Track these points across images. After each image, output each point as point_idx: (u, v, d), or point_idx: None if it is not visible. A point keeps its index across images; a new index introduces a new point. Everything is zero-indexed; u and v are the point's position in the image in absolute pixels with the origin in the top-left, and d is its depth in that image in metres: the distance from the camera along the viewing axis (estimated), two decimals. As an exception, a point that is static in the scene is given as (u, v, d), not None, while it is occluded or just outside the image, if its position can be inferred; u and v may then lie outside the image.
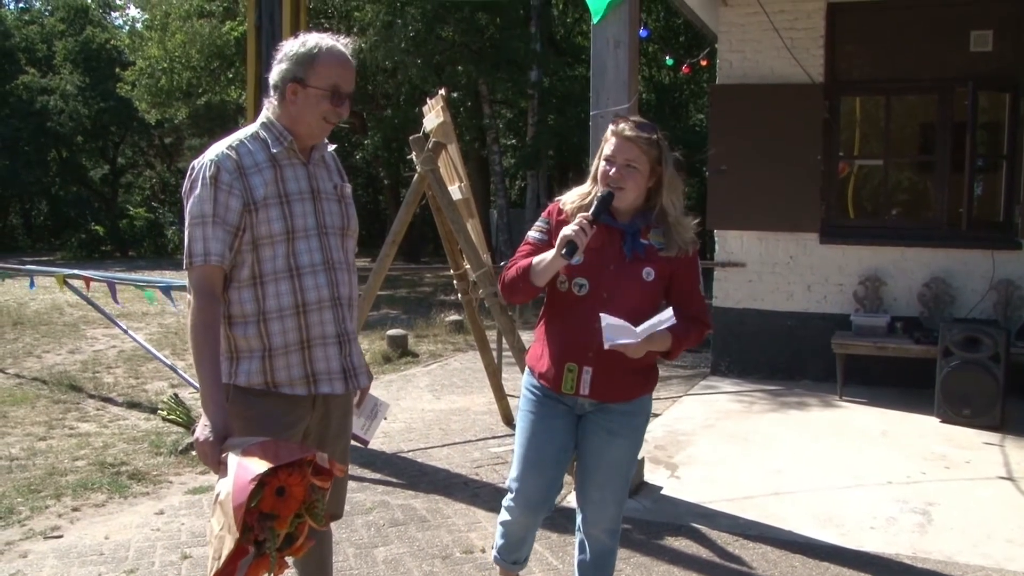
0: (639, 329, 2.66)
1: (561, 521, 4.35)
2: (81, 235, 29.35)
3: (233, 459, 2.17)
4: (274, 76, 2.51)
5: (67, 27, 33.06)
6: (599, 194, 2.83)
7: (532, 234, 2.97)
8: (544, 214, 3.00)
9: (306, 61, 2.46)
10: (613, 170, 2.83)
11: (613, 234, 2.86)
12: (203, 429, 2.33)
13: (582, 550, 3.10)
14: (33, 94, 30.55)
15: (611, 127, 2.90)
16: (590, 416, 2.96)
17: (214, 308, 2.41)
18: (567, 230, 2.72)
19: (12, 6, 36.19)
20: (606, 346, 2.69)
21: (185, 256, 2.44)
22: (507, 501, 3.08)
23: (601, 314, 2.69)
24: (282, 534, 2.13)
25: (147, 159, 37.67)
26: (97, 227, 30.33)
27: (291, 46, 2.49)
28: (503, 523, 3.14)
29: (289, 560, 2.31)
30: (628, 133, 2.82)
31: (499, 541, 3.18)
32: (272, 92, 2.52)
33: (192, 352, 2.43)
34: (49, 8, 35.78)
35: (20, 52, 32.27)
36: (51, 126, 30.53)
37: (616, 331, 2.66)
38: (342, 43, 2.51)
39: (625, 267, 2.84)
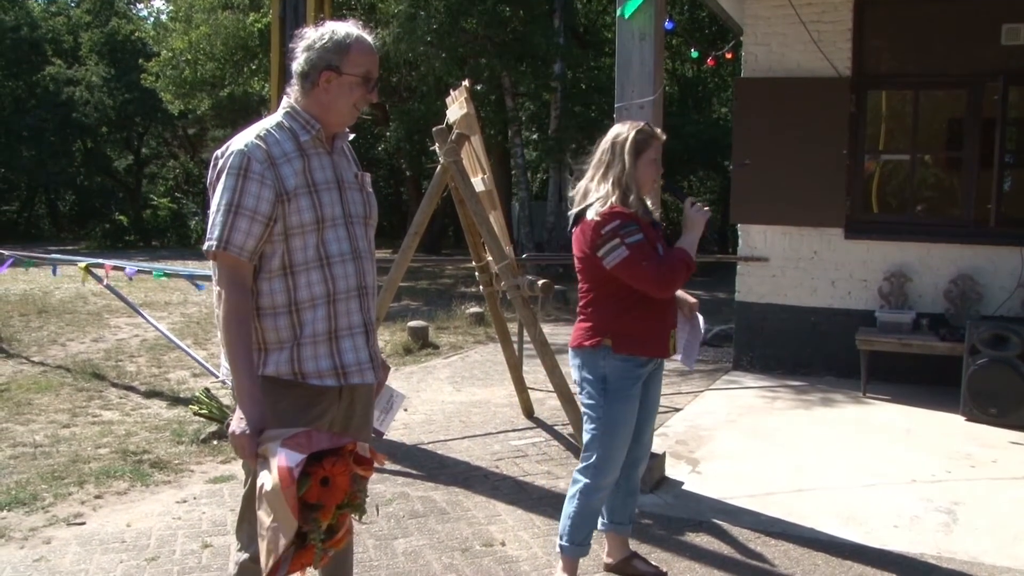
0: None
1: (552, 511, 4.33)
2: (105, 225, 29.59)
3: (274, 449, 2.15)
4: (302, 65, 2.48)
5: (93, 19, 33.28)
6: (676, 190, 3.82)
7: (635, 238, 3.29)
8: (623, 220, 3.30)
9: (341, 49, 2.45)
10: (660, 169, 3.49)
11: (651, 226, 3.44)
12: (239, 422, 2.32)
13: (624, 487, 3.67)
14: (59, 85, 30.79)
15: (650, 132, 3.43)
16: (653, 374, 3.57)
17: (246, 300, 2.40)
18: (704, 211, 3.48)
19: (39, -2, 36.42)
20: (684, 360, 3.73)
21: (216, 240, 2.37)
22: (594, 477, 3.46)
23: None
24: (325, 525, 2.11)
25: (171, 150, 37.87)
26: (121, 217, 30.59)
27: (318, 34, 2.47)
28: (586, 500, 3.47)
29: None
30: (663, 137, 3.52)
31: (571, 524, 3.49)
32: (298, 81, 2.50)
33: (225, 346, 2.40)
34: (74, 0, 36.02)
35: (47, 43, 32.46)
36: (76, 117, 30.74)
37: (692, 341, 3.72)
38: (366, 32, 2.54)
39: (665, 247, 3.44)
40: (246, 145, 2.42)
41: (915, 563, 3.93)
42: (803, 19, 7.46)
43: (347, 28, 2.50)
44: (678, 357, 3.66)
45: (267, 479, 2.13)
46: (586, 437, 3.49)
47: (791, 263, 7.80)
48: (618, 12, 4.64)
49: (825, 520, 4.39)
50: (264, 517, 2.14)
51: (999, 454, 5.51)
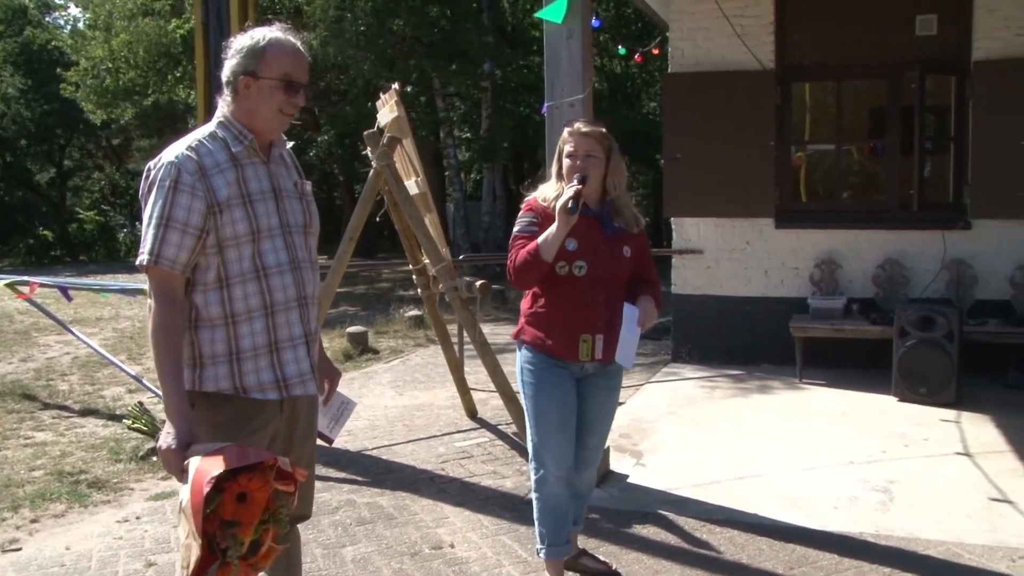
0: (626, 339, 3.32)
1: (529, 514, 4.35)
2: (29, 240, 28.71)
3: (193, 464, 2.13)
4: (225, 72, 2.46)
5: (5, 28, 32.29)
6: (571, 184, 3.24)
7: (523, 229, 3.35)
8: (526, 211, 3.40)
9: (256, 53, 2.42)
10: (578, 162, 3.30)
11: (591, 221, 3.33)
12: (166, 436, 2.28)
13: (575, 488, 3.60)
14: (-26, 98, 29.87)
15: (567, 129, 3.40)
16: (591, 378, 3.44)
17: (176, 313, 2.36)
18: (563, 197, 3.17)
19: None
20: (620, 359, 3.34)
21: (148, 254, 2.34)
22: (535, 465, 3.47)
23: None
24: (247, 541, 2.08)
25: (95, 161, 36.95)
26: (46, 232, 29.69)
27: (240, 41, 2.45)
28: (541, 505, 3.48)
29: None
30: (585, 129, 3.34)
31: (542, 530, 3.49)
32: (225, 89, 2.48)
33: (154, 358, 2.36)
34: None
35: (-41, 55, 31.48)
36: (-7, 130, 29.87)
37: (626, 344, 3.32)
38: (292, 35, 2.49)
39: (610, 246, 3.35)
40: (176, 156, 2.38)
41: (855, 542, 4.03)
42: (726, 13, 7.59)
43: (265, 32, 2.46)
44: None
45: (185, 494, 2.12)
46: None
47: (725, 254, 7.94)
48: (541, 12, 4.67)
49: (768, 505, 4.48)
50: (182, 532, 2.12)
51: (930, 432, 5.68)
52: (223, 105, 2.50)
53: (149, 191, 2.38)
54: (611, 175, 3.37)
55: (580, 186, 3.18)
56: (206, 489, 2.02)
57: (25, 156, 33.01)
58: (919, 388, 6.33)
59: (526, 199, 3.46)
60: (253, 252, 2.44)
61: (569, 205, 3.14)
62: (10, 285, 7.64)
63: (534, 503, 3.51)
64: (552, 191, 3.36)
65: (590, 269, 3.30)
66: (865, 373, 7.14)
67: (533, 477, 3.49)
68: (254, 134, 2.48)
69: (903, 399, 6.39)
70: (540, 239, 3.23)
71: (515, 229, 3.39)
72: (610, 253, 3.34)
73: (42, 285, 7.57)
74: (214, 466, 2.07)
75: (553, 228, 3.19)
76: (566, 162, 3.34)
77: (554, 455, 3.41)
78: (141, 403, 2.41)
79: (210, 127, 2.49)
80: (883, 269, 7.44)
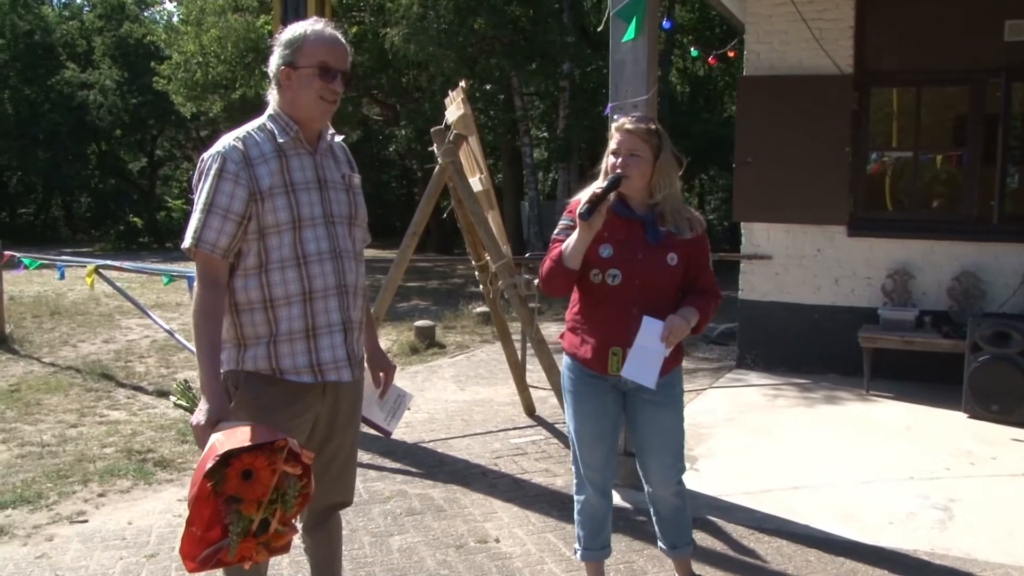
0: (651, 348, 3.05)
1: (571, 512, 4.36)
2: (120, 227, 29.80)
3: (211, 440, 2.21)
4: (271, 67, 2.59)
5: (105, 23, 33.51)
6: (598, 185, 3.09)
7: (558, 232, 3.21)
8: (566, 212, 3.22)
9: (294, 45, 2.53)
10: (620, 160, 3.11)
11: (634, 225, 3.14)
12: (199, 413, 2.39)
13: (653, 509, 3.48)
14: (73, 89, 31.03)
15: (613, 125, 3.22)
16: (635, 392, 3.23)
17: (217, 297, 2.47)
18: (583, 201, 3.01)
19: (54, 3, 36.70)
20: (628, 374, 3.08)
21: (191, 238, 2.46)
22: (576, 482, 3.41)
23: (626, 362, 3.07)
24: (256, 519, 2.14)
25: (184, 152, 38.03)
26: (135, 219, 30.79)
27: (282, 36, 2.57)
28: (579, 510, 3.44)
29: (297, 541, 2.33)
30: (628, 126, 3.12)
31: (580, 533, 3.45)
32: (272, 83, 2.58)
33: (194, 339, 2.49)
34: (88, 4, 36.29)
35: (60, 48, 32.76)
36: (90, 120, 30.96)
37: (642, 360, 3.04)
38: (330, 27, 2.58)
39: (651, 254, 3.11)
40: (224, 147, 2.50)
41: (908, 559, 3.94)
42: (804, 17, 7.46)
43: (305, 24, 2.56)
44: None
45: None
46: None
47: (794, 261, 7.81)
48: (612, 12, 4.67)
49: (820, 517, 4.40)
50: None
51: (999, 451, 5.51)
52: (272, 99, 2.60)
53: (199, 180, 2.50)
54: (658, 176, 3.11)
55: (599, 191, 2.98)
56: (210, 463, 2.10)
57: (119, 146, 34.28)
58: (991, 405, 6.14)
59: (574, 198, 3.27)
60: (294, 240, 2.52)
61: (582, 210, 2.96)
62: (93, 271, 7.95)
63: (575, 505, 3.50)
64: (591, 192, 3.12)
65: (624, 279, 3.09)
66: (935, 388, 6.94)
67: (574, 481, 3.47)
68: (299, 125, 2.56)
69: (973, 416, 6.20)
70: (564, 245, 3.10)
71: (554, 232, 3.25)
72: (649, 261, 3.10)
73: (115, 268, 7.85)
74: (227, 442, 2.15)
75: (575, 234, 3.04)
76: (609, 159, 3.15)
77: (588, 466, 3.35)
78: (186, 380, 2.49)
79: (261, 119, 2.60)
80: (959, 282, 7.23)
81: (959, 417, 6.24)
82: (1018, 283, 7.07)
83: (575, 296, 3.28)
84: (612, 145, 3.15)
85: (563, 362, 3.34)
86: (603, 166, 3.21)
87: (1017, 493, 4.77)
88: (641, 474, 3.43)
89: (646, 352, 3.04)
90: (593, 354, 3.17)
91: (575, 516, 3.48)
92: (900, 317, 7.14)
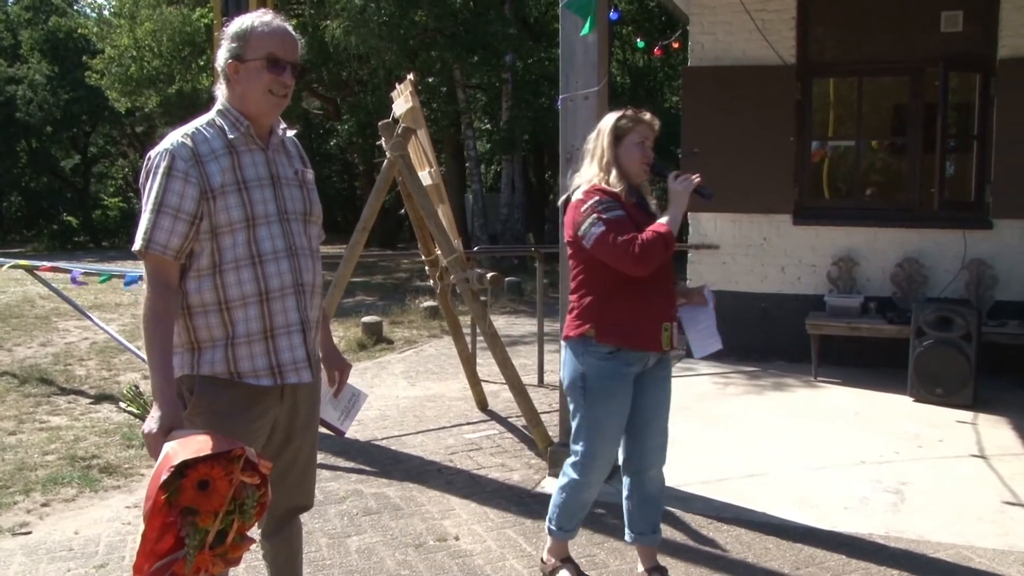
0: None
1: (536, 508, 4.34)
2: (54, 226, 29.01)
3: (165, 449, 2.12)
4: (219, 61, 2.49)
5: (32, 15, 32.56)
6: (660, 168, 3.41)
7: (614, 214, 3.20)
8: (601, 197, 3.24)
9: (241, 37, 2.43)
10: (647, 152, 3.33)
11: (639, 208, 3.33)
12: (151, 421, 2.28)
13: (637, 493, 3.49)
14: (0, 84, 30.10)
15: (634, 117, 3.34)
16: (651, 371, 3.34)
17: (167, 299, 2.37)
18: (687, 182, 3.29)
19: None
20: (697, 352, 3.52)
21: (141, 239, 2.36)
22: (580, 473, 3.39)
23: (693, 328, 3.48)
24: (212, 531, 2.06)
25: (120, 148, 37.23)
26: (70, 218, 30.00)
27: (229, 29, 2.47)
28: (573, 494, 3.44)
29: (255, 547, 2.26)
30: (655, 124, 3.37)
31: (559, 512, 3.48)
32: (220, 77, 2.49)
33: (144, 343, 2.38)
34: (13, -3, 35.27)
35: (-15, 41, 31.82)
36: (20, 116, 30.09)
37: (703, 333, 3.46)
38: (279, 19, 2.49)
39: None
40: (172, 144, 2.40)
41: (864, 543, 3.99)
42: (748, 8, 7.53)
43: (253, 16, 2.47)
44: (682, 351, 3.65)
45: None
46: (573, 430, 3.42)
47: (741, 250, 7.88)
48: (562, 3, 4.64)
49: (777, 504, 4.44)
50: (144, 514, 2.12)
51: (945, 433, 5.62)
52: (220, 93, 2.51)
53: (147, 179, 2.39)
54: None
55: (698, 180, 3.31)
56: (165, 475, 2.01)
57: (51, 143, 33.33)
58: (935, 389, 6.26)
59: (580, 188, 3.32)
60: (248, 238, 2.43)
61: (707, 191, 3.32)
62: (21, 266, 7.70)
63: (563, 494, 3.46)
64: (614, 179, 3.28)
65: None
66: (881, 372, 7.07)
67: (574, 477, 3.41)
68: (250, 120, 2.48)
69: (919, 399, 6.33)
70: (668, 222, 3.21)
71: (604, 216, 3.18)
72: None
73: (54, 269, 7.63)
74: (181, 451, 2.06)
75: (674, 209, 3.25)
76: (635, 151, 3.29)
77: (605, 458, 3.37)
78: (136, 386, 2.41)
79: (210, 115, 2.50)
80: (902, 268, 7.37)
81: (905, 401, 6.36)
82: (959, 268, 7.23)
83: (601, 289, 3.27)
84: (636, 138, 3.30)
85: (584, 360, 3.28)
86: (597, 154, 3.34)
87: (964, 474, 4.87)
88: (631, 459, 3.46)
89: (710, 321, 3.38)
90: (648, 333, 3.24)
91: (558, 498, 3.48)
92: (846, 304, 7.25)
